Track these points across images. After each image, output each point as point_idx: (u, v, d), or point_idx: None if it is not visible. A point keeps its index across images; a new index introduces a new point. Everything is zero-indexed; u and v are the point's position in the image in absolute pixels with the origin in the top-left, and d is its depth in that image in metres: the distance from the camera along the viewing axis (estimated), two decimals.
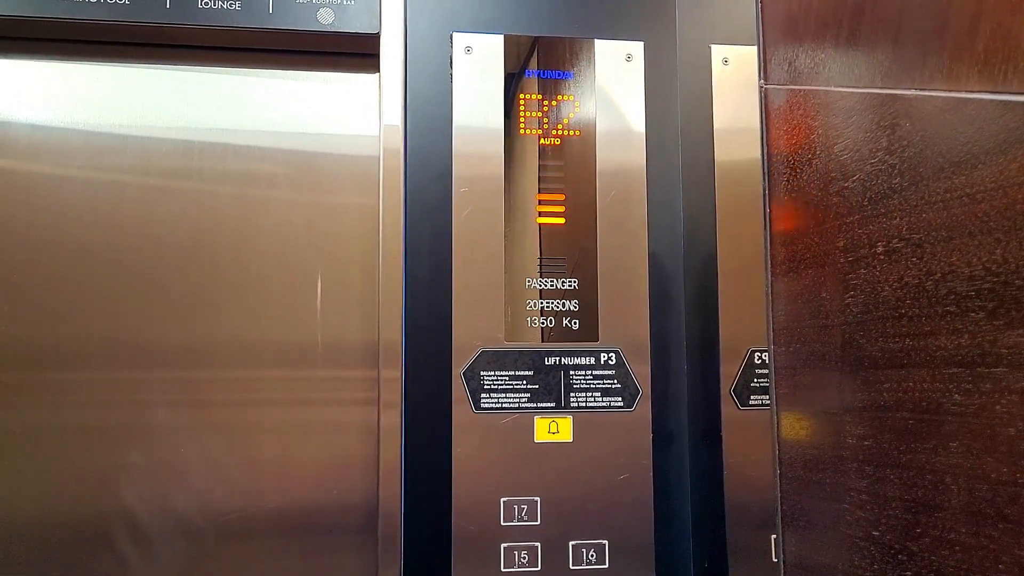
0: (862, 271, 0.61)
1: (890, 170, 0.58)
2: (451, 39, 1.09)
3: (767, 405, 1.10)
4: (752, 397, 1.09)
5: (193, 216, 1.11)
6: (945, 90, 0.52)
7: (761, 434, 1.09)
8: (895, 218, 0.57)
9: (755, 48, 1.14)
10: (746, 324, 1.10)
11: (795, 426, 0.72)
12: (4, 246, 1.07)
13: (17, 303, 1.06)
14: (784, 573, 0.73)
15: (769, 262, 0.76)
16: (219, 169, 1.12)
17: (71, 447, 1.06)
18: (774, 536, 1.08)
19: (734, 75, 1.13)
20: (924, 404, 0.54)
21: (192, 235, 1.10)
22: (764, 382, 1.10)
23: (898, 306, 0.57)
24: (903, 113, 0.57)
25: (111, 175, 1.10)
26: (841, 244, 0.64)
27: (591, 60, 1.11)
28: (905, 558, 0.56)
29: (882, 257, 0.59)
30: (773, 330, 0.75)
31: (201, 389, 1.09)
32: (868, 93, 0.61)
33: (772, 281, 0.75)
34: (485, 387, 1.05)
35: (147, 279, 1.09)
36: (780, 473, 0.74)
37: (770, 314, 0.75)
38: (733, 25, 1.14)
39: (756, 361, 1.10)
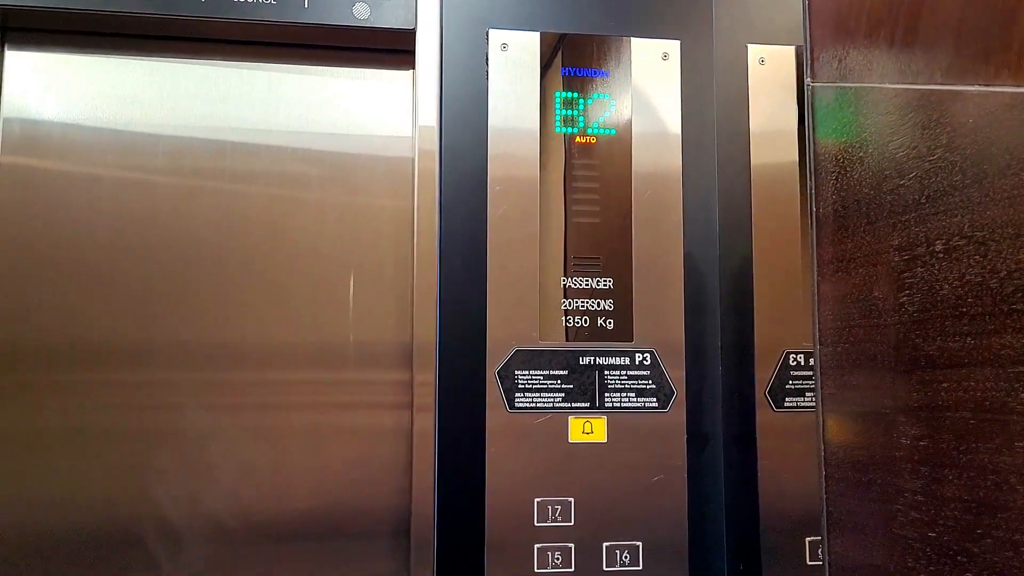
0: (919, 269, 0.60)
1: (950, 167, 0.57)
2: (487, 36, 1.09)
3: (802, 407, 1.09)
4: (787, 399, 1.08)
5: (224, 216, 1.10)
6: (1013, 86, 0.52)
7: (796, 436, 1.08)
8: (956, 215, 0.56)
9: (791, 48, 1.15)
10: (781, 326, 1.09)
11: (842, 427, 0.71)
12: (34, 245, 1.07)
13: (47, 302, 1.06)
14: (830, 572, 0.72)
15: (815, 262, 0.75)
16: (251, 169, 1.11)
17: (99, 447, 1.06)
18: (809, 539, 1.07)
19: (770, 75, 1.12)
20: (987, 404, 0.53)
21: (223, 235, 1.10)
22: (799, 384, 1.09)
23: (959, 304, 0.56)
24: (965, 110, 0.56)
25: (142, 174, 1.09)
26: (896, 242, 0.63)
27: (627, 58, 1.10)
28: (965, 559, 0.55)
29: (941, 255, 0.58)
30: (819, 330, 0.74)
31: (232, 390, 1.08)
32: (927, 90, 0.60)
33: (819, 281, 0.75)
34: (519, 386, 1.04)
35: (177, 279, 1.09)
36: (826, 474, 0.73)
37: (816, 314, 0.74)
38: (770, 24, 1.14)
39: (791, 363, 1.09)
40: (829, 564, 0.72)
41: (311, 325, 1.10)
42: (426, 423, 1.04)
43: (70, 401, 1.06)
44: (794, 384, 1.08)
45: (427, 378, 1.05)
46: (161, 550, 1.05)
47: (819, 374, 0.74)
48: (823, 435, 0.73)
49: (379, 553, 1.08)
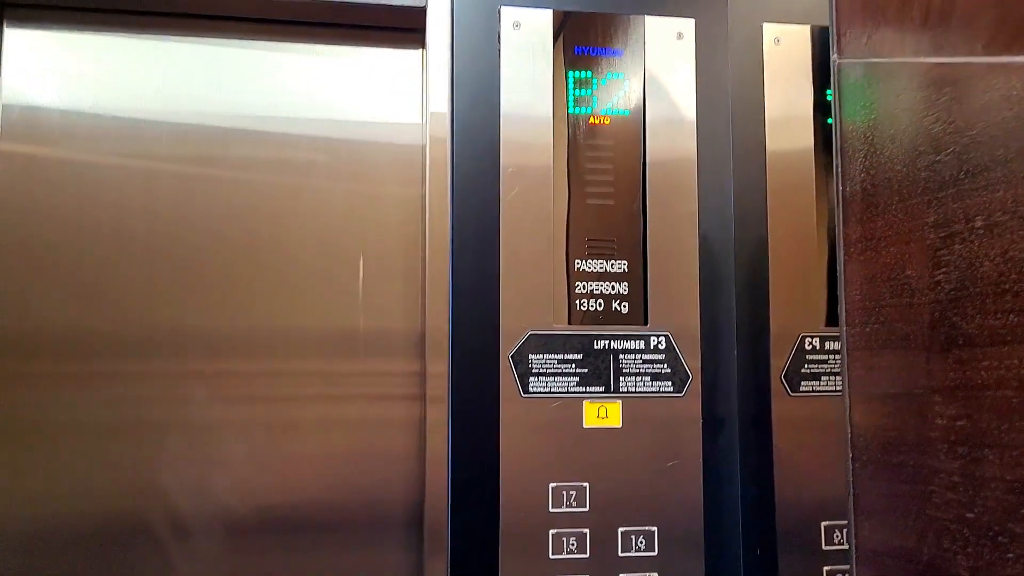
0: (957, 246, 0.59)
1: (992, 141, 0.56)
2: (499, 13, 1.07)
3: (818, 392, 1.08)
4: (803, 383, 1.07)
5: (229, 204, 1.07)
6: None
7: (811, 421, 1.07)
8: (998, 190, 0.55)
9: (806, 27, 1.13)
10: (797, 309, 1.08)
11: (871, 409, 0.70)
12: (38, 235, 1.04)
13: (48, 292, 1.03)
14: (856, 560, 0.71)
15: (842, 242, 0.74)
16: (256, 156, 1.09)
17: (102, 438, 1.03)
18: (824, 523, 1.06)
19: (785, 55, 1.11)
20: None
21: (228, 224, 1.07)
22: (815, 368, 1.08)
23: (1001, 281, 0.55)
24: (1008, 82, 0.55)
25: (145, 162, 1.07)
26: (931, 220, 0.62)
27: (641, 37, 1.08)
28: (1007, 540, 0.54)
29: (981, 231, 0.57)
30: (847, 311, 0.73)
31: (240, 380, 1.06)
32: (966, 63, 0.59)
33: (845, 261, 0.73)
34: (533, 371, 1.03)
35: (181, 268, 1.06)
36: (852, 456, 0.72)
37: (843, 295, 0.73)
38: (785, 2, 1.12)
39: (807, 347, 1.08)
40: (856, 548, 0.71)
41: (320, 315, 1.08)
42: (439, 409, 1.02)
43: (70, 392, 1.03)
44: (810, 368, 1.07)
45: (440, 365, 1.03)
46: (170, 543, 1.03)
47: (846, 355, 0.73)
48: (850, 417, 0.72)
49: (391, 541, 1.07)
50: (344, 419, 1.07)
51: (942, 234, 0.61)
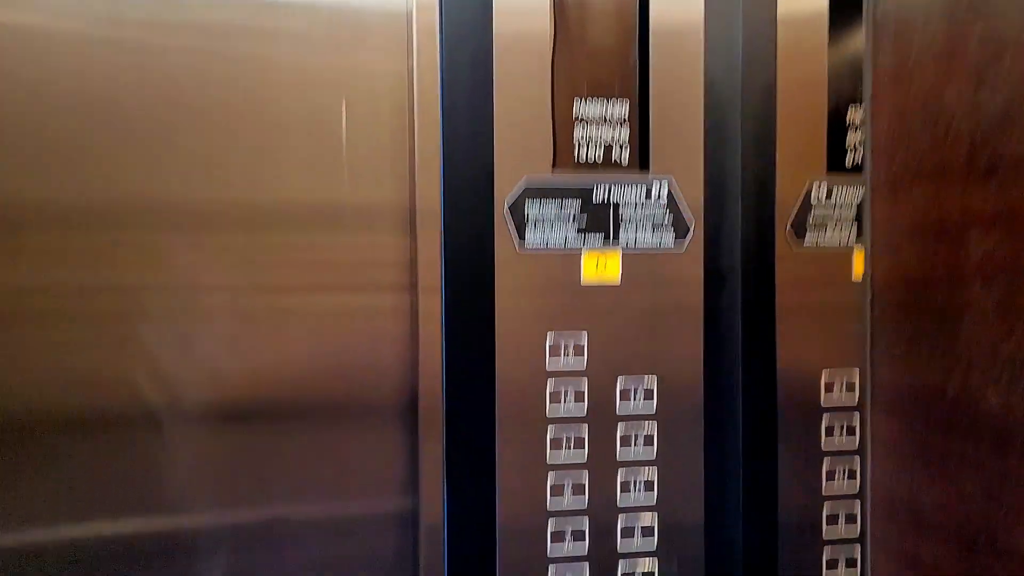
0: (1007, 62, 0.55)
1: None
2: None
3: (822, 245, 1.05)
4: (808, 234, 1.04)
5: (201, 75, 0.98)
6: None
7: (817, 273, 1.05)
8: None
9: None
10: (805, 155, 1.04)
11: (896, 246, 0.67)
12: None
13: (11, 165, 0.95)
14: (873, 406, 0.69)
15: (871, 70, 0.69)
16: (227, 20, 0.99)
17: (66, 321, 0.96)
18: (825, 372, 1.06)
19: None
20: None
21: (200, 97, 0.98)
22: (823, 218, 1.05)
23: None
24: None
25: (110, 30, 0.96)
26: (979, 32, 0.57)
27: None
28: None
29: None
30: (872, 146, 0.69)
31: (221, 253, 0.99)
32: None
33: (873, 94, 0.69)
34: (530, 221, 0.98)
35: (151, 140, 0.97)
36: (872, 297, 0.69)
37: (869, 128, 0.69)
38: None
39: (814, 195, 1.04)
40: (873, 393, 0.70)
41: (303, 189, 1.00)
42: (433, 298, 0.99)
43: (35, 270, 0.95)
44: (817, 218, 1.04)
45: (433, 229, 0.98)
46: (154, 431, 0.97)
47: (870, 193, 0.69)
48: (872, 256, 0.69)
49: (383, 415, 1.03)
50: (332, 289, 1.02)
51: (987, 53, 0.56)
